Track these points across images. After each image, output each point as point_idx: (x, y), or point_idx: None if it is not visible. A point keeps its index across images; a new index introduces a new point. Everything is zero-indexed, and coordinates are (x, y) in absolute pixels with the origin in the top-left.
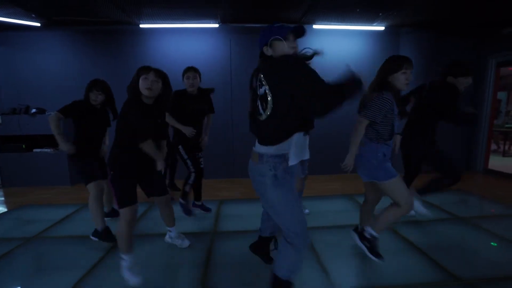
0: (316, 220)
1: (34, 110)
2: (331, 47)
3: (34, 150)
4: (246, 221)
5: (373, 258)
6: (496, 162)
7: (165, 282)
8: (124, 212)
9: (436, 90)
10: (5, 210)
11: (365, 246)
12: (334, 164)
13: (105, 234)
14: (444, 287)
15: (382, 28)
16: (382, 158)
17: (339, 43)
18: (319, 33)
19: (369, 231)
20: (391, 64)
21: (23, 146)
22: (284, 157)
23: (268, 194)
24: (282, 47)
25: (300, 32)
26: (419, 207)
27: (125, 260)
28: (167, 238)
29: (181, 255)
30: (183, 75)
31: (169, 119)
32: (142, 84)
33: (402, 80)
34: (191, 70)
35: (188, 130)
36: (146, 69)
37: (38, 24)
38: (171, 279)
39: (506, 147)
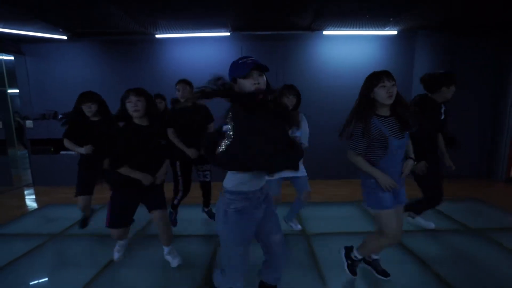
0: (320, 226)
1: (61, 116)
2: (343, 53)
3: (61, 152)
4: None
5: (348, 272)
6: None
7: (169, 283)
8: (111, 231)
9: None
10: (36, 207)
11: (347, 262)
12: (344, 169)
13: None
14: None
15: (395, 32)
16: (373, 186)
17: (351, 48)
18: (330, 39)
19: (355, 253)
20: (369, 80)
21: (51, 149)
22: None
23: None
24: (244, 84)
25: (261, 68)
26: (424, 223)
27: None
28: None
29: (186, 258)
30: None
31: (172, 137)
32: (129, 109)
33: (383, 94)
34: (180, 82)
35: (191, 152)
36: (126, 93)
37: (65, 37)
38: (175, 280)
39: None
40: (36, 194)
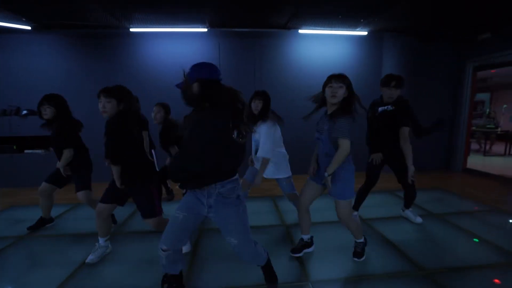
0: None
1: (25, 112)
2: (317, 51)
3: (26, 151)
4: None
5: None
6: (477, 161)
7: (149, 277)
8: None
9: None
10: None
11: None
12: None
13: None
14: (409, 276)
15: (365, 33)
16: (349, 171)
17: (325, 47)
18: (304, 38)
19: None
20: (324, 82)
21: (14, 147)
22: None
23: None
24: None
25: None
26: (415, 218)
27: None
28: None
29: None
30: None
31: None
32: (100, 109)
33: (328, 93)
34: (156, 105)
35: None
36: (98, 94)
37: (29, 28)
38: (157, 274)
39: (487, 147)
40: None
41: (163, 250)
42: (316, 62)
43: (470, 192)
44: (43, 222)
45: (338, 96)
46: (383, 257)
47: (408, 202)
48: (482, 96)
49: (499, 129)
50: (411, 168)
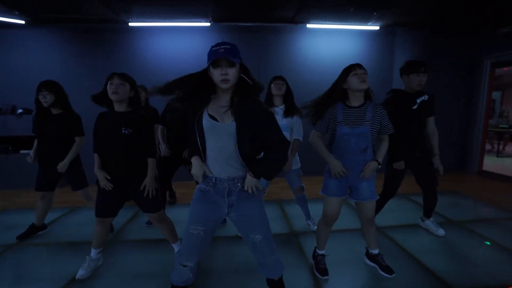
0: (307, 224)
1: (20, 111)
2: (326, 47)
3: (21, 151)
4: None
5: (317, 274)
6: (490, 162)
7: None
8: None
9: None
10: None
11: (313, 263)
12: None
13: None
14: None
15: (377, 27)
16: (327, 170)
17: (334, 42)
18: (313, 33)
19: (316, 250)
20: (342, 73)
21: (9, 148)
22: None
23: None
24: (213, 74)
25: (228, 58)
26: (437, 230)
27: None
28: None
29: (168, 260)
30: None
31: (157, 132)
32: (109, 90)
33: (356, 80)
34: (139, 87)
35: (164, 148)
36: (110, 75)
37: (23, 22)
38: (159, 279)
39: (500, 147)
40: None
41: (184, 266)
42: (324, 59)
43: (488, 196)
44: (34, 229)
45: (367, 81)
46: (404, 272)
47: (429, 210)
48: (493, 95)
49: None
50: (438, 157)
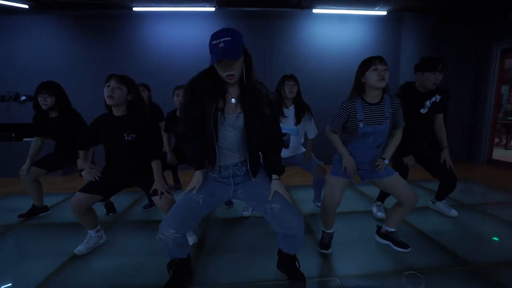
0: (315, 208)
1: (24, 98)
2: (332, 33)
3: (24, 139)
4: (238, 208)
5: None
6: (499, 155)
7: (145, 271)
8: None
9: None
10: None
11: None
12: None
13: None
14: (453, 271)
15: (384, 13)
16: (338, 158)
17: (340, 28)
18: (319, 18)
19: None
20: (361, 65)
21: (13, 135)
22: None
23: None
24: (217, 70)
25: (228, 57)
26: (450, 211)
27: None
28: None
29: None
30: (173, 92)
31: (164, 138)
32: (105, 93)
33: (374, 77)
34: (182, 88)
35: (170, 157)
36: (109, 77)
37: (26, 7)
38: (152, 268)
39: (509, 140)
40: None
41: (169, 234)
42: (331, 44)
43: (500, 182)
44: (36, 210)
45: (386, 79)
46: (420, 250)
47: (443, 193)
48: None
49: None
50: (447, 150)
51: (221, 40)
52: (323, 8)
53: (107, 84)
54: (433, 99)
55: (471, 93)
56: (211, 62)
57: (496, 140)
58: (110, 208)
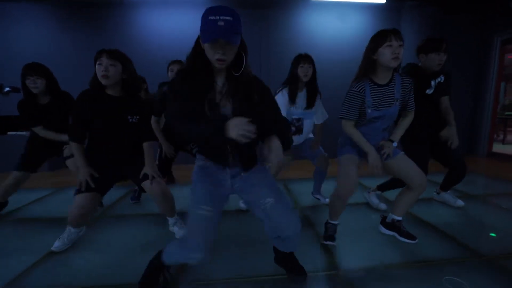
0: (313, 200)
1: (7, 89)
2: (330, 22)
3: (9, 132)
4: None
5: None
6: (498, 149)
7: (130, 266)
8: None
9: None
10: None
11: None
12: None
13: None
14: (467, 263)
15: (384, 1)
16: (345, 138)
17: (338, 17)
18: (316, 7)
19: (329, 220)
20: (374, 39)
21: None
22: None
23: None
24: (207, 51)
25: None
26: (456, 201)
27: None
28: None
29: (158, 238)
30: (167, 68)
31: (154, 126)
32: (97, 72)
33: (388, 55)
34: (175, 63)
35: (167, 147)
36: (99, 53)
37: None
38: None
39: (503, 135)
40: None
41: (196, 258)
42: (328, 33)
43: (503, 174)
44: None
45: (400, 57)
46: (429, 241)
47: (450, 183)
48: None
49: None
50: (454, 128)
51: (221, 17)
52: None
53: (98, 62)
54: (438, 79)
55: (471, 85)
56: (206, 40)
57: (493, 135)
58: None
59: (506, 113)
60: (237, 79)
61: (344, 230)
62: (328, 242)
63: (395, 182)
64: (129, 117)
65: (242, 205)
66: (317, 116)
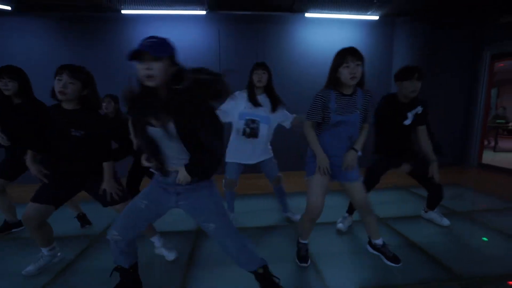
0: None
1: None
2: (324, 37)
3: None
4: (243, 217)
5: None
6: (488, 157)
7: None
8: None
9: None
10: None
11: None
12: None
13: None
14: (446, 286)
15: (377, 17)
16: (311, 155)
17: (332, 32)
18: (311, 22)
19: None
20: (334, 59)
21: None
22: None
23: None
24: (138, 72)
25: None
26: (442, 220)
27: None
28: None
29: (158, 256)
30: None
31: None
32: (55, 87)
33: (345, 75)
34: (106, 97)
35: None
36: (60, 68)
37: (9, 8)
38: (153, 277)
39: (493, 143)
40: None
41: (113, 236)
42: (323, 49)
43: (492, 188)
44: (8, 226)
45: (358, 76)
46: (411, 262)
47: (433, 203)
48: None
49: (510, 124)
50: (435, 163)
51: (147, 40)
52: (316, 12)
53: (58, 77)
54: (415, 110)
55: (461, 98)
56: (131, 56)
57: (485, 142)
58: (83, 219)
59: (497, 121)
60: (178, 92)
61: (333, 249)
62: (302, 264)
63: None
64: (72, 130)
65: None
66: (286, 121)
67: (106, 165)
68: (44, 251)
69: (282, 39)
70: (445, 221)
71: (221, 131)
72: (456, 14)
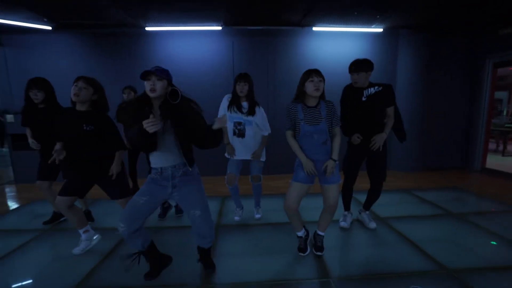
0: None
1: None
2: (331, 49)
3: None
4: (247, 215)
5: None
6: (496, 162)
7: (165, 273)
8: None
9: None
10: (17, 205)
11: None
12: None
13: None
14: (431, 275)
15: (381, 29)
16: (297, 163)
17: (339, 45)
18: (319, 35)
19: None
20: (302, 76)
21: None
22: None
23: None
24: (145, 88)
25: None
26: (370, 222)
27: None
28: None
29: (186, 246)
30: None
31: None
32: (72, 91)
33: (311, 87)
34: (126, 88)
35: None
36: (77, 78)
37: (50, 28)
38: (172, 269)
39: (501, 147)
40: (18, 191)
41: (120, 227)
42: (330, 60)
43: (492, 192)
44: (57, 216)
45: (321, 89)
46: (404, 255)
47: (369, 202)
48: (500, 95)
49: None
50: (384, 134)
51: (154, 67)
52: (323, 26)
53: (75, 84)
54: (368, 91)
55: (466, 103)
56: (142, 75)
57: (494, 146)
58: (88, 216)
59: (506, 125)
60: (171, 107)
61: (336, 242)
62: (300, 253)
63: (371, 196)
64: (84, 125)
65: (236, 218)
66: (263, 128)
67: (117, 154)
68: (81, 232)
69: (291, 51)
70: (372, 224)
71: (203, 119)
72: (457, 27)
